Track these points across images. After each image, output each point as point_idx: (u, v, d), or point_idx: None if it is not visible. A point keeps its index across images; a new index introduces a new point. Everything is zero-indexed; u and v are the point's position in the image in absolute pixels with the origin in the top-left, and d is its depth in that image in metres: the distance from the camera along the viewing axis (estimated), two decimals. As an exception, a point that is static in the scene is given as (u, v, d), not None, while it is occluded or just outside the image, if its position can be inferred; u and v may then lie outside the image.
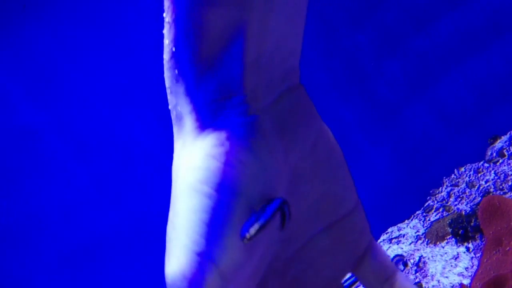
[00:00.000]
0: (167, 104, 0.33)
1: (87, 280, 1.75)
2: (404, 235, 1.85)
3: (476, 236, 1.42)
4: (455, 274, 1.39)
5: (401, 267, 1.64)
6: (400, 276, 0.37)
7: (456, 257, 1.44)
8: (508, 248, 1.14)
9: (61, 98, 1.64)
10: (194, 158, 0.30)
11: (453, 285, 1.34)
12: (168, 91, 0.32)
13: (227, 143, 0.30)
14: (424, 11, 1.98)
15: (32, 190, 1.70)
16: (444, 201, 1.90)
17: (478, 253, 1.38)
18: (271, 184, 0.30)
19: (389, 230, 2.01)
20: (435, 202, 1.95)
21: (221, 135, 0.30)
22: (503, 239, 1.20)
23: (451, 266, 1.42)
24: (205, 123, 0.30)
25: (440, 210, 1.87)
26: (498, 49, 1.98)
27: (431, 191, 2.03)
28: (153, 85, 1.62)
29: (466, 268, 1.38)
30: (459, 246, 1.47)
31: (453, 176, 2.00)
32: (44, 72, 1.62)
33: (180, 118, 0.31)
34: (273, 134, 0.31)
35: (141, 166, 1.66)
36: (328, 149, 0.34)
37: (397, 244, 1.83)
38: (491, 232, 1.26)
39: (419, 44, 2.01)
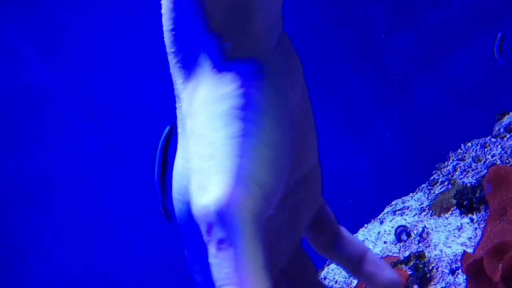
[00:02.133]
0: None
1: (93, 241, 1.77)
2: (408, 207, 1.87)
3: (481, 207, 1.43)
4: (458, 244, 1.40)
5: (404, 237, 1.65)
6: (344, 231, 0.39)
7: (459, 228, 1.46)
8: (512, 216, 1.15)
9: (72, 59, 1.64)
10: (223, 89, 0.30)
11: (456, 254, 1.36)
12: (169, 34, 0.32)
13: (256, 74, 0.31)
14: (438, -16, 1.97)
15: (41, 150, 1.72)
16: (449, 175, 1.91)
17: (482, 224, 1.39)
18: (289, 118, 0.32)
19: (393, 202, 2.02)
20: (441, 176, 1.96)
21: (250, 68, 0.31)
22: (508, 208, 1.22)
23: (454, 236, 1.43)
24: (227, 59, 0.31)
25: (446, 183, 1.88)
26: (511, 25, 1.97)
27: (436, 165, 2.04)
28: (163, 46, 1.61)
29: (469, 238, 1.40)
30: (463, 217, 1.48)
31: (459, 150, 2.01)
32: (56, 33, 1.62)
33: (191, 59, 0.31)
34: (284, 74, 0.32)
35: (150, 128, 1.68)
36: (307, 103, 0.35)
37: (401, 215, 1.84)
38: (496, 202, 1.27)
39: (432, 17, 2.00)
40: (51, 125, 1.68)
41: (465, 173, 1.80)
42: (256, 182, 0.29)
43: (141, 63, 1.65)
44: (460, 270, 1.31)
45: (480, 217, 1.40)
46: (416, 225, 1.64)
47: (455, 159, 1.93)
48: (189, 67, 0.31)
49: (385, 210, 1.95)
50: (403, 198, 1.98)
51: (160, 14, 0.33)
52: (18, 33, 1.59)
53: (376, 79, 1.77)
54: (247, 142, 0.29)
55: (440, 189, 1.81)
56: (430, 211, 1.66)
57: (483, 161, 1.78)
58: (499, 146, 1.80)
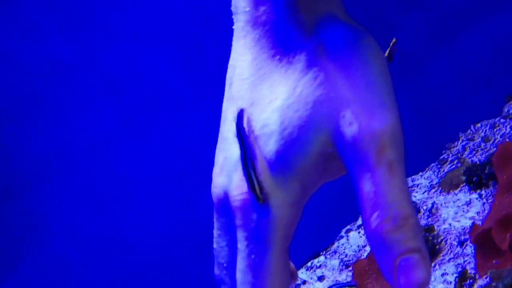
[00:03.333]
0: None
1: (110, 213, 1.82)
2: (418, 185, 1.91)
3: (490, 183, 1.47)
4: (466, 218, 1.45)
5: (414, 213, 1.69)
6: None
7: (468, 203, 1.50)
8: (520, 190, 1.19)
9: (94, 35, 1.68)
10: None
11: (464, 228, 1.40)
12: None
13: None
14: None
15: (61, 122, 1.76)
16: (459, 154, 1.94)
17: (491, 199, 1.43)
18: None
19: (403, 181, 2.06)
20: (450, 155, 2.00)
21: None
22: (516, 182, 1.25)
23: (463, 211, 1.48)
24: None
25: (455, 162, 1.91)
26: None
27: (446, 145, 2.07)
28: (185, 28, 1.65)
29: (478, 213, 1.44)
30: (472, 193, 1.53)
31: (469, 131, 2.04)
32: (80, 7, 1.66)
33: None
34: None
35: (166, 108, 1.71)
36: None
37: (411, 193, 1.88)
38: (504, 177, 1.31)
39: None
40: (70, 98, 1.72)
41: (474, 152, 1.84)
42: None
43: (163, 45, 1.68)
44: (468, 242, 1.36)
45: (488, 192, 1.44)
46: (426, 202, 1.68)
47: (464, 139, 1.96)
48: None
49: (395, 188, 1.98)
50: (413, 176, 2.01)
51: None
52: (41, 5, 1.63)
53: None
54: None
55: (450, 167, 1.85)
56: (440, 188, 1.70)
57: (492, 140, 1.81)
58: (508, 126, 1.84)
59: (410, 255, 0.29)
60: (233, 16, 0.35)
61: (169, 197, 1.71)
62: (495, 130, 1.86)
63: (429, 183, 1.86)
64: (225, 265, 0.36)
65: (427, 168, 2.06)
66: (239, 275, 0.32)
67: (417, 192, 1.83)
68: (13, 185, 1.78)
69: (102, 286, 1.83)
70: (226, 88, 0.36)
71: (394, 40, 0.43)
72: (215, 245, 0.37)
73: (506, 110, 1.91)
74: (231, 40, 0.36)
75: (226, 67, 0.35)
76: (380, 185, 0.30)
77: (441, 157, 2.06)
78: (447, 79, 2.14)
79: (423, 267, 0.28)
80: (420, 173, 2.05)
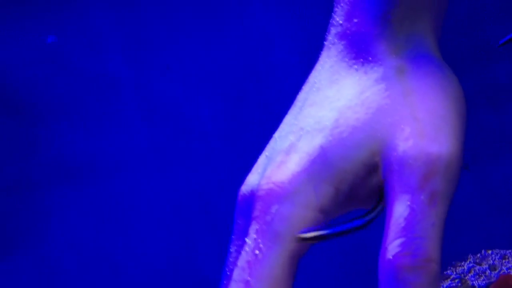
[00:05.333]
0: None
1: (120, 232, 1.86)
2: (413, 292, 1.89)
3: (481, 310, 1.45)
4: (448, 336, 1.42)
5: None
6: None
7: (455, 323, 1.48)
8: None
9: (149, 60, 1.78)
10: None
11: None
12: None
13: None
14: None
15: (97, 134, 1.84)
16: (462, 274, 1.93)
17: (477, 325, 1.41)
18: None
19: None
20: (454, 272, 1.98)
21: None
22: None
23: (448, 330, 1.46)
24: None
25: (456, 280, 1.90)
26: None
27: (453, 262, 2.06)
28: (233, 75, 1.73)
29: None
30: (462, 315, 1.51)
31: (479, 255, 2.03)
32: (143, 30, 1.77)
33: None
34: None
35: (197, 143, 1.78)
36: None
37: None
38: (495, 307, 1.30)
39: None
40: (110, 112, 1.81)
41: (477, 276, 1.83)
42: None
43: (208, 86, 1.76)
44: None
45: (477, 318, 1.42)
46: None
47: (472, 262, 1.95)
48: None
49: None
50: (412, 283, 1.99)
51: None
52: (107, 22, 1.74)
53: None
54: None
55: (449, 284, 1.85)
56: (433, 301, 1.69)
57: (498, 270, 1.81)
58: (517, 261, 1.83)
59: None
60: (326, 33, 0.34)
61: (175, 232, 1.75)
62: (503, 261, 1.86)
63: (425, 293, 1.84)
64: (228, 273, 0.32)
65: (428, 279, 2.04)
66: (235, 273, 0.29)
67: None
68: (34, 180, 1.85)
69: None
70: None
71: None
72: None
73: (520, 244, 1.92)
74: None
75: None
76: (415, 212, 0.28)
77: (445, 272, 2.05)
78: (472, 197, 2.15)
79: None
80: (420, 282, 2.03)
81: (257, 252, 0.29)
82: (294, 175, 0.29)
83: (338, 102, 0.31)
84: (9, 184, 1.81)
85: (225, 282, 0.32)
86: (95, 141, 1.81)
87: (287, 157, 0.30)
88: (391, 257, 0.27)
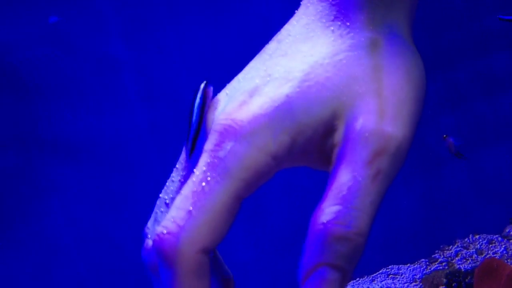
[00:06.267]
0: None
1: (114, 212, 1.89)
2: (401, 274, 1.95)
3: (466, 293, 1.51)
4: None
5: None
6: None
7: (441, 306, 1.54)
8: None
9: (151, 45, 1.79)
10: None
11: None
12: None
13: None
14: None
15: (96, 114, 1.86)
16: (450, 258, 1.99)
17: (462, 307, 1.47)
18: None
19: (390, 266, 2.11)
20: (442, 256, 2.04)
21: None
22: (489, 298, 1.29)
23: (433, 311, 1.51)
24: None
25: (443, 264, 1.96)
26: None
27: (441, 246, 2.11)
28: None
29: (446, 317, 1.48)
30: (449, 298, 1.57)
31: (466, 239, 2.09)
32: (145, 15, 1.78)
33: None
34: None
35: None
36: None
37: (392, 280, 1.93)
38: (479, 290, 1.35)
39: (480, 110, 2.09)
40: (110, 92, 1.82)
41: (464, 260, 1.89)
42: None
43: (208, 66, 1.78)
44: None
45: (463, 301, 1.48)
46: (403, 292, 1.72)
47: (460, 246, 2.01)
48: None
49: (380, 271, 2.04)
50: (400, 265, 2.06)
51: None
52: (109, 5, 1.76)
53: (410, 154, 1.87)
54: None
55: (437, 267, 1.90)
56: (420, 284, 1.75)
57: (484, 254, 1.86)
58: (503, 246, 1.88)
59: (333, 270, 0.27)
60: None
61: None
62: (490, 246, 1.91)
63: (413, 276, 1.91)
64: (167, 201, 0.34)
65: (416, 262, 2.11)
66: (177, 200, 0.29)
67: (399, 281, 1.88)
68: (34, 158, 1.88)
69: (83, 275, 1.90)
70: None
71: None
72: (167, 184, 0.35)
73: (507, 230, 1.97)
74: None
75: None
76: (359, 185, 0.28)
77: (433, 255, 2.11)
78: (462, 184, 2.19)
79: None
80: (409, 264, 2.10)
81: (203, 184, 0.28)
82: (255, 116, 0.29)
83: (310, 58, 0.31)
84: (10, 162, 1.84)
85: (162, 209, 0.33)
86: (95, 121, 1.84)
87: (250, 98, 0.30)
88: (324, 221, 0.27)
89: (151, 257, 0.32)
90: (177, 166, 0.35)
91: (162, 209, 0.34)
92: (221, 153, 0.29)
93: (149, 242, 0.34)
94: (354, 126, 0.29)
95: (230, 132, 0.29)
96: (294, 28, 0.33)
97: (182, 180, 0.34)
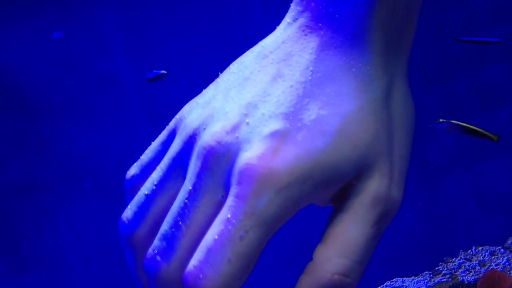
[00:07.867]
0: None
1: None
2: (406, 287, 1.96)
3: (469, 304, 1.51)
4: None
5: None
6: None
7: (445, 317, 1.54)
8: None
9: (154, 61, 1.81)
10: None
11: None
12: None
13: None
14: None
15: (99, 131, 1.87)
16: (453, 270, 1.99)
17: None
18: None
19: (394, 279, 2.11)
20: (445, 268, 2.05)
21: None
22: (492, 309, 1.30)
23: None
24: None
25: (447, 276, 1.96)
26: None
27: (444, 258, 2.12)
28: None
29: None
30: (452, 309, 1.57)
31: (469, 251, 2.09)
32: (147, 31, 1.80)
33: None
34: None
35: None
36: None
37: (397, 292, 1.93)
38: (482, 302, 1.36)
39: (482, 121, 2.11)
40: (113, 110, 1.84)
41: (467, 272, 1.89)
42: None
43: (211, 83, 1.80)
44: None
45: (465, 313, 1.49)
46: (407, 305, 1.73)
47: (463, 258, 2.02)
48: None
49: (384, 284, 2.05)
50: (404, 278, 2.07)
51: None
52: (112, 23, 1.78)
53: (412, 164, 1.88)
54: None
55: (441, 279, 1.91)
56: (424, 296, 1.76)
57: (487, 266, 1.87)
58: (506, 258, 1.89)
59: None
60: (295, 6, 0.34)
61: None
62: (493, 257, 1.92)
63: (417, 288, 1.92)
64: (144, 165, 0.36)
65: (420, 275, 2.11)
66: (211, 243, 0.29)
67: (402, 293, 1.89)
68: (41, 178, 1.89)
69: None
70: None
71: None
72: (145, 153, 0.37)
73: (509, 242, 1.98)
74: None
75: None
76: (364, 242, 0.31)
77: (437, 267, 2.11)
78: (464, 196, 2.20)
79: None
80: (413, 277, 2.10)
81: (241, 233, 0.29)
82: (292, 168, 0.30)
83: (339, 107, 0.31)
84: (17, 182, 1.85)
85: (142, 201, 0.34)
86: (99, 140, 1.85)
87: (283, 146, 0.30)
88: (333, 271, 0.30)
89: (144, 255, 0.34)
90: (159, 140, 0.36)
91: (142, 201, 0.35)
92: (259, 204, 0.29)
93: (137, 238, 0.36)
94: (370, 187, 0.31)
95: (268, 182, 0.29)
96: (317, 64, 0.32)
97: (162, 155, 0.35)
